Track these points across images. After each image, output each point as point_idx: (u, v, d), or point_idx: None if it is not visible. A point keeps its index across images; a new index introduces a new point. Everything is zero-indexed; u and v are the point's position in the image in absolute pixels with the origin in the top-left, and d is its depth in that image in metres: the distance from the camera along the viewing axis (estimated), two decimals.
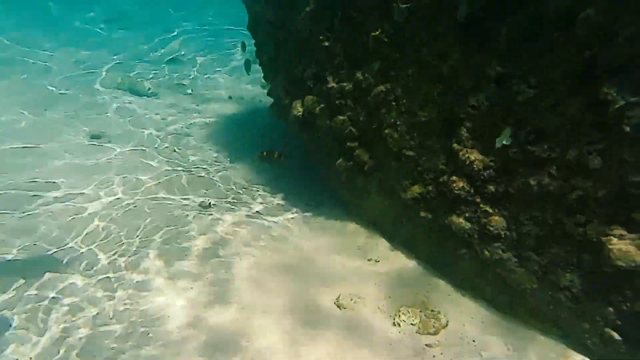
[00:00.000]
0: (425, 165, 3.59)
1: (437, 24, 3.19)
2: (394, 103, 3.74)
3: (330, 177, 4.95)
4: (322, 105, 4.36)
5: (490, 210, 3.17)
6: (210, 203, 5.05)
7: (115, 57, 10.12)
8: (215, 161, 6.32)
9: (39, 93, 8.01)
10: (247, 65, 6.14)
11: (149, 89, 8.29)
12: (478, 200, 3.23)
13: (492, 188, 3.12)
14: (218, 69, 10.09)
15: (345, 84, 4.09)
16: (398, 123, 3.74)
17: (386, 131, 3.84)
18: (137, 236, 4.42)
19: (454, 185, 3.29)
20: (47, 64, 9.44)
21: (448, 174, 3.39)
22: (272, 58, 4.99)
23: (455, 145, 3.27)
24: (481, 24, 2.91)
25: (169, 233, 4.50)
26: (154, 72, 9.56)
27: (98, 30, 12.00)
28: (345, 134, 4.21)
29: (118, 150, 6.27)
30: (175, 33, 12.09)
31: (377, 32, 3.63)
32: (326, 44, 4.14)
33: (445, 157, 3.43)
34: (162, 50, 10.82)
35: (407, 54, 3.51)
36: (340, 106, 4.19)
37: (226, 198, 5.32)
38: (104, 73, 9.15)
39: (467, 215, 3.33)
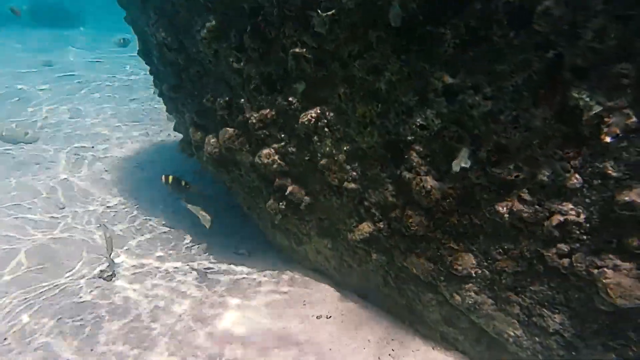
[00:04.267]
0: (372, 199, 3.03)
1: (367, 33, 2.67)
2: (326, 129, 3.14)
3: (260, 221, 4.21)
4: (242, 138, 3.65)
5: (456, 247, 2.66)
6: (113, 272, 4.02)
7: None
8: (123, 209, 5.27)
9: None
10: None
11: (27, 133, 6.92)
12: (439, 236, 2.71)
13: (454, 220, 2.62)
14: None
15: (266, 112, 3.43)
16: (334, 152, 3.15)
17: (322, 162, 3.23)
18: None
19: (410, 220, 2.75)
20: None
21: (400, 208, 2.85)
22: (173, 87, 4.19)
23: (405, 173, 2.74)
24: (420, 28, 2.43)
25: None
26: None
27: None
28: (274, 169, 3.53)
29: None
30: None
31: (297, 48, 3.03)
32: (237, 65, 3.45)
33: (394, 188, 2.89)
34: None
35: (335, 71, 2.95)
36: (263, 138, 3.50)
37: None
38: None
39: (428, 254, 2.79)
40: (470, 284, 2.64)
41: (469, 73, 2.33)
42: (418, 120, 2.62)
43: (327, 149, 3.18)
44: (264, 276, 4.01)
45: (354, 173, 3.09)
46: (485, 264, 2.57)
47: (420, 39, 2.45)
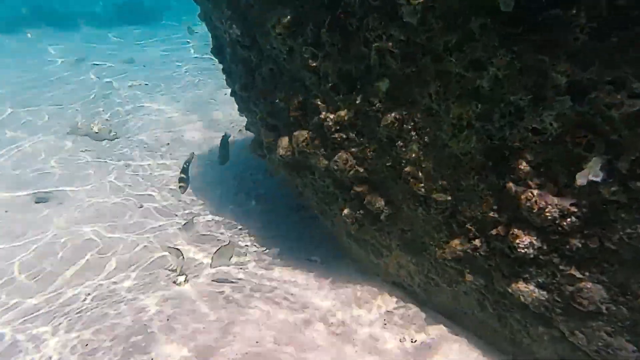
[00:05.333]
0: (467, 213, 2.64)
1: (468, 21, 2.28)
2: (413, 133, 2.80)
3: (334, 228, 3.97)
4: (316, 141, 3.41)
5: (579, 275, 2.21)
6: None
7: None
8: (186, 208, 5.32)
9: None
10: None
11: (110, 131, 7.28)
12: (556, 260, 2.27)
13: (577, 243, 2.17)
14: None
15: (343, 113, 3.15)
16: (422, 159, 2.79)
17: (406, 170, 2.89)
18: None
19: (517, 240, 2.33)
20: None
21: (504, 225, 2.44)
22: (244, 86, 4.05)
23: (511, 185, 2.33)
24: (541, 12, 2.00)
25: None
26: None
27: None
28: (351, 175, 3.25)
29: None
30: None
31: (381, 42, 2.71)
32: (312, 62, 3.21)
33: (495, 201, 2.48)
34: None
35: (426, 67, 2.59)
36: (340, 141, 3.23)
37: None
38: None
39: (540, 280, 2.36)
40: (600, 323, 2.18)
41: (608, 65, 1.86)
42: (530, 123, 2.19)
43: (413, 154, 2.83)
44: (340, 286, 3.78)
45: (445, 182, 2.71)
46: (623, 299, 2.09)
47: (541, 26, 2.01)
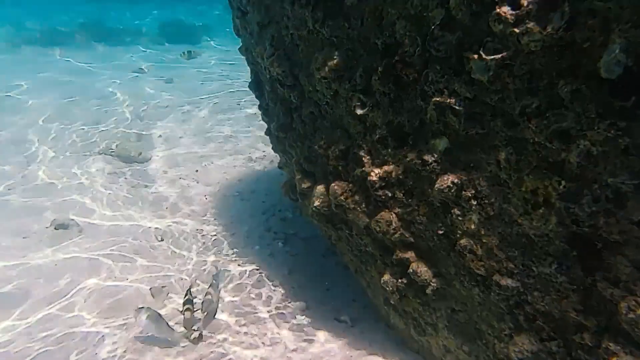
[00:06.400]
0: (540, 307, 2.19)
1: (554, 84, 1.90)
2: (473, 202, 2.40)
3: (369, 290, 3.57)
4: (357, 196, 3.06)
5: None
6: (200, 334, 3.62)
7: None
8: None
9: None
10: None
11: (140, 153, 7.18)
12: None
13: None
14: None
15: (390, 168, 2.80)
16: (482, 233, 2.39)
17: (462, 242, 2.48)
18: None
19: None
20: None
21: (592, 333, 1.98)
22: (282, 126, 3.78)
23: (606, 287, 1.89)
24: None
25: None
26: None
27: None
28: (394, 238, 2.87)
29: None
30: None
31: (442, 97, 2.36)
32: (359, 111, 2.89)
33: (579, 300, 2.04)
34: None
35: (495, 131, 2.22)
36: (384, 199, 2.87)
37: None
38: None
39: None
40: None
41: None
42: (636, 214, 1.76)
43: (472, 226, 2.43)
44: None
45: (511, 265, 2.29)
46: None
47: None
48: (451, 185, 2.46)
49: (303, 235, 5.26)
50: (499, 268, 2.34)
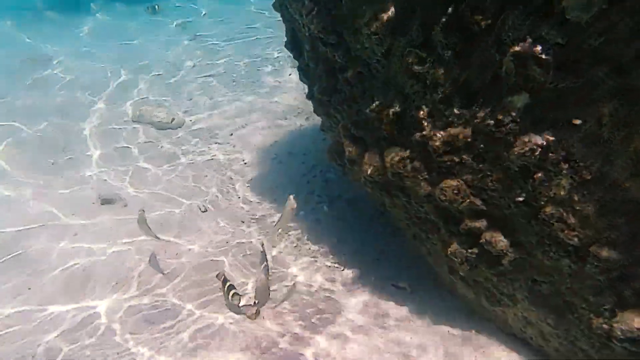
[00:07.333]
0: None
1: None
2: (563, 165, 2.10)
3: (430, 257, 3.38)
4: (416, 162, 2.79)
5: None
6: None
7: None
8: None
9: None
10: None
11: (173, 119, 6.94)
12: None
13: None
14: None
15: (457, 131, 2.50)
16: (576, 199, 2.10)
17: (547, 210, 2.22)
18: None
19: None
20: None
21: None
22: (325, 89, 3.47)
23: None
24: None
25: None
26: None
27: None
28: (463, 207, 2.62)
29: None
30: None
31: (524, 44, 2.00)
32: (417, 68, 2.55)
33: None
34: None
35: (595, 80, 1.87)
36: (450, 165, 2.60)
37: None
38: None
39: None
40: None
41: None
42: None
43: (562, 192, 2.15)
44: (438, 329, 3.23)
45: (614, 235, 2.02)
46: None
47: None
48: (534, 148, 2.16)
49: (347, 197, 5.06)
50: (597, 238, 2.07)
